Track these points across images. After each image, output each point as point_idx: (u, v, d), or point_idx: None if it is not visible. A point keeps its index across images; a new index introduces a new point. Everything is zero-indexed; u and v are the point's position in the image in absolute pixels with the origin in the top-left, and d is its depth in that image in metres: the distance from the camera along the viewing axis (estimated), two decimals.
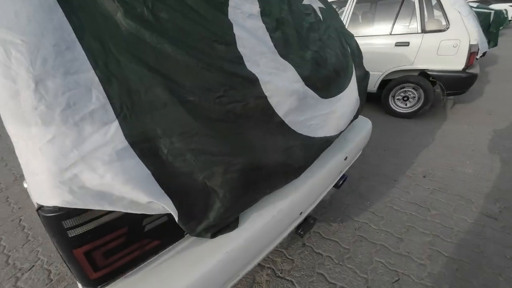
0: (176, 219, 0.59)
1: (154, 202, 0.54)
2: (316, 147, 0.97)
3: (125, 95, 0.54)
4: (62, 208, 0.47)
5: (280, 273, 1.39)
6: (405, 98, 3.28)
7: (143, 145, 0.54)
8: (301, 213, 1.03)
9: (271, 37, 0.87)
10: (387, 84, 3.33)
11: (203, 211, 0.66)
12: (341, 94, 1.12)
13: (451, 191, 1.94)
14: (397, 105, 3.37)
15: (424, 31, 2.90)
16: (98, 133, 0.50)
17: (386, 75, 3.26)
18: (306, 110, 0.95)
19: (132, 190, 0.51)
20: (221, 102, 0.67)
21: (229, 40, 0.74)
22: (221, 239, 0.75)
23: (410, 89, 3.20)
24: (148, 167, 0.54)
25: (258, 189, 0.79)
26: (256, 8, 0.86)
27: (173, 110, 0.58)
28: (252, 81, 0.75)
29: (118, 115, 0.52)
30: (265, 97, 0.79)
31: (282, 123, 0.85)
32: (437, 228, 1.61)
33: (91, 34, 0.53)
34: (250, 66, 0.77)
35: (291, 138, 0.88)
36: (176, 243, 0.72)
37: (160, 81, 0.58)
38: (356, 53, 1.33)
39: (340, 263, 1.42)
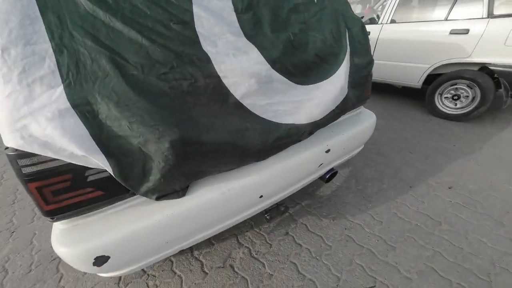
0: (112, 174, 0.70)
1: (88, 157, 0.65)
2: (281, 133, 0.96)
3: (73, 64, 0.65)
4: (18, 149, 0.62)
5: (255, 254, 1.44)
6: (456, 97, 2.79)
7: (84, 108, 0.65)
8: (261, 196, 1.04)
9: (238, 17, 0.88)
10: (434, 79, 2.88)
11: (143, 173, 0.75)
12: (324, 81, 1.06)
13: (479, 209, 1.64)
14: (444, 105, 2.90)
15: (491, 15, 2.37)
16: (45, 94, 0.62)
17: (434, 69, 2.81)
18: (271, 94, 0.93)
19: (69, 144, 0.63)
20: (166, 78, 0.73)
21: (187, 20, 0.78)
22: (166, 203, 0.84)
23: (463, 87, 2.70)
24: (86, 126, 0.65)
25: (202, 164, 0.84)
26: None
27: (114, 80, 0.67)
28: (204, 61, 0.79)
29: (64, 81, 0.64)
30: (219, 77, 0.81)
31: (239, 105, 0.87)
32: (442, 244, 1.41)
33: (52, 12, 0.65)
34: (206, 46, 0.80)
35: (249, 121, 0.89)
36: (128, 199, 0.83)
37: (106, 55, 0.67)
38: (359, 39, 1.20)
39: (317, 257, 1.39)
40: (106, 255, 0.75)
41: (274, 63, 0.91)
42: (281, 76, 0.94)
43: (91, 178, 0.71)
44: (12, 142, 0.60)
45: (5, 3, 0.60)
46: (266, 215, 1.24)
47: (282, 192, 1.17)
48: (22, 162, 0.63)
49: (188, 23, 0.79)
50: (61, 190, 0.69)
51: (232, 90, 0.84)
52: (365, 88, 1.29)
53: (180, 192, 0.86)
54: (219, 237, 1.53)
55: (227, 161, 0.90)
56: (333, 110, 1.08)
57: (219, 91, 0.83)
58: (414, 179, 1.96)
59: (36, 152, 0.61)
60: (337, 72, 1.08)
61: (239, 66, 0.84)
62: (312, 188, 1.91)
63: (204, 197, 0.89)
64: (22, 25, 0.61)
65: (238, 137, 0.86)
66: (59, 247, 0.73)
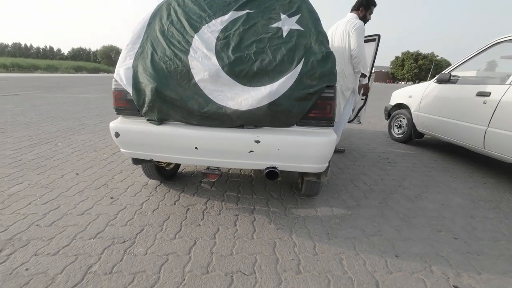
0: (133, 98, 1.61)
1: (128, 87, 1.60)
2: (213, 108, 1.50)
3: (140, 53, 1.65)
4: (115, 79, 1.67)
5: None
6: None
7: (135, 67, 1.62)
8: (196, 147, 1.59)
9: (216, 43, 1.59)
10: None
11: (143, 102, 1.60)
12: (261, 87, 1.48)
13: None
14: None
15: None
16: (127, 61, 1.65)
17: None
18: (218, 85, 1.52)
19: (125, 80, 1.61)
20: (166, 63, 1.57)
21: (189, 41, 1.61)
22: (150, 125, 1.65)
23: None
24: (133, 75, 1.61)
25: (166, 108, 1.57)
26: (218, 27, 1.62)
27: (147, 60, 1.60)
28: (185, 60, 1.56)
29: (134, 58, 1.65)
30: (189, 68, 1.55)
31: (196, 84, 1.55)
32: None
33: (146, 33, 1.70)
34: (191, 53, 1.57)
35: (198, 94, 1.54)
36: (138, 115, 1.72)
37: (150, 50, 1.63)
38: (314, 66, 1.49)
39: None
40: (118, 132, 1.66)
41: (223, 67, 1.52)
42: (226, 75, 1.52)
43: (128, 97, 1.66)
44: (115, 75, 1.66)
45: (137, 30, 1.71)
46: (204, 170, 1.74)
47: (216, 157, 1.64)
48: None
49: (189, 42, 1.60)
50: (118, 100, 1.68)
51: (194, 76, 1.54)
52: (314, 105, 1.50)
53: (158, 122, 1.65)
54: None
55: (179, 112, 1.57)
56: (258, 107, 1.46)
57: (188, 75, 1.55)
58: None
59: (117, 80, 1.63)
60: (273, 83, 1.47)
61: (201, 64, 1.53)
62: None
63: (166, 129, 1.61)
64: (137, 36, 1.69)
65: (188, 100, 1.53)
66: (112, 125, 1.72)
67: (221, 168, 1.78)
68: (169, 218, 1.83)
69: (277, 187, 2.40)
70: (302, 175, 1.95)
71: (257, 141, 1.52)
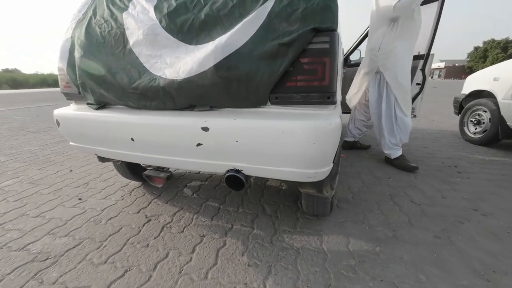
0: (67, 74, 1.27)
1: (61, 63, 1.27)
2: (146, 81, 1.03)
3: (80, 22, 1.30)
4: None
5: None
6: None
7: (73, 38, 1.28)
8: (132, 139, 1.13)
9: None
10: None
11: (77, 83, 1.25)
12: (209, 42, 0.94)
13: None
14: None
15: None
16: (70, 31, 1.31)
17: None
18: (155, 47, 1.04)
19: (60, 54, 1.27)
20: (100, 25, 1.17)
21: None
22: (89, 109, 1.28)
23: None
24: (70, 46, 1.27)
25: (99, 89, 1.16)
26: None
27: (83, 26, 1.22)
28: (120, 19, 1.13)
29: (74, 28, 1.30)
30: (124, 29, 1.11)
31: (131, 51, 1.10)
32: None
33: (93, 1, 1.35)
34: (128, 10, 1.14)
35: (133, 64, 1.08)
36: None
37: (89, 16, 1.25)
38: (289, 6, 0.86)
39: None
40: (58, 120, 1.34)
41: (161, 20, 1.02)
42: (165, 32, 1.02)
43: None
44: None
45: None
46: (146, 168, 1.26)
47: (156, 152, 1.14)
48: None
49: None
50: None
51: (129, 39, 1.10)
52: (297, 67, 0.87)
53: (96, 106, 1.26)
54: None
55: (111, 90, 1.15)
56: (200, 74, 0.91)
57: (122, 39, 1.12)
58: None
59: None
60: (226, 34, 0.90)
61: (136, 21, 1.08)
62: None
63: (100, 115, 1.21)
64: (85, 2, 1.35)
65: (117, 72, 1.09)
66: (54, 113, 1.42)
67: (172, 170, 1.29)
68: (119, 231, 1.43)
69: (279, 198, 1.77)
70: (299, 184, 1.29)
71: (205, 129, 0.97)
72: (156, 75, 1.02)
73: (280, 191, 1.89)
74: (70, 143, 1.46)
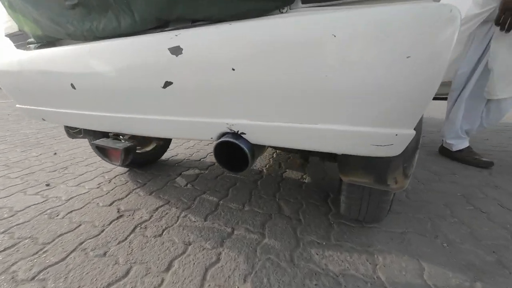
0: None
1: None
2: None
3: None
4: None
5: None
6: None
7: None
8: (73, 85, 0.69)
9: None
10: None
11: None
12: None
13: None
14: None
15: None
16: None
17: None
18: None
19: None
20: None
21: None
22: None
23: None
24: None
25: (30, 12, 0.75)
26: None
27: None
28: None
29: None
30: None
31: None
32: None
33: None
34: None
35: None
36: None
37: None
38: None
39: None
40: None
41: None
42: None
43: None
44: None
45: None
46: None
47: (106, 108, 0.69)
48: None
49: None
50: None
51: None
52: None
53: (36, 44, 0.85)
54: None
55: (41, 7, 0.72)
56: None
57: None
58: None
59: None
60: None
61: None
62: None
63: (35, 53, 0.79)
64: None
65: None
66: None
67: (134, 141, 0.85)
68: (75, 229, 1.01)
69: (300, 194, 1.28)
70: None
71: (175, 50, 0.51)
72: None
73: (303, 184, 1.39)
74: (16, 105, 1.07)
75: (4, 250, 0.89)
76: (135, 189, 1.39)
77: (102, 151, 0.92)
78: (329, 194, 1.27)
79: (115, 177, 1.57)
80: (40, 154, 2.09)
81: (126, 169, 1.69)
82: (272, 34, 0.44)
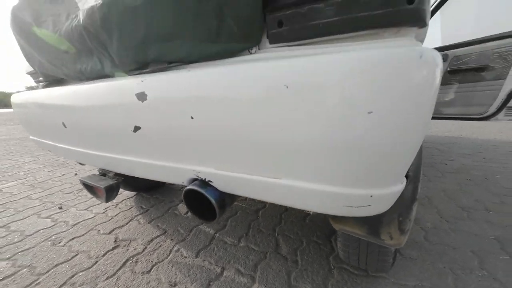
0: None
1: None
2: (72, 18, 0.63)
3: None
4: None
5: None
6: None
7: None
8: (64, 123, 0.72)
9: None
10: None
11: None
12: None
13: None
14: None
15: None
16: None
17: None
18: None
19: None
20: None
21: None
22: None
23: None
24: None
25: (37, 53, 0.82)
26: None
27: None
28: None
29: None
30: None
31: None
32: None
33: None
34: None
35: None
36: None
37: None
38: None
39: None
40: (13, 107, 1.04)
41: None
42: None
43: None
44: None
45: None
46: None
47: (91, 145, 0.70)
48: None
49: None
50: None
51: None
52: None
53: (44, 83, 0.92)
54: None
55: (42, 47, 0.77)
56: None
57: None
58: None
59: None
60: None
61: None
62: None
63: (37, 93, 0.86)
64: None
65: (49, 18, 0.72)
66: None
67: (120, 178, 0.85)
68: (70, 260, 1.02)
69: (302, 229, 1.18)
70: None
71: (141, 96, 0.51)
72: (78, 6, 0.61)
73: (307, 217, 1.30)
74: (30, 136, 1.16)
75: (2, 280, 0.92)
76: (137, 215, 1.40)
77: (89, 188, 0.94)
78: (335, 231, 1.16)
79: (122, 201, 1.61)
80: (63, 175, 2.24)
81: (134, 193, 1.73)
82: (226, 83, 0.42)
